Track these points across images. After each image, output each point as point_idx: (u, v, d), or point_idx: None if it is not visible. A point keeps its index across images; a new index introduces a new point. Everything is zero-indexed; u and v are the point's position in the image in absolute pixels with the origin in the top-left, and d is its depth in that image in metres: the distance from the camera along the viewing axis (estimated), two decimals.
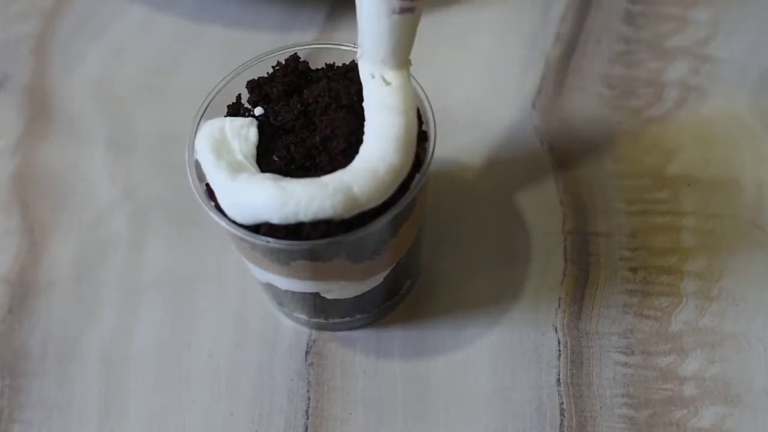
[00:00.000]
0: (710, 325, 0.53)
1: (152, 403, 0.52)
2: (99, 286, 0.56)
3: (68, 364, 0.54)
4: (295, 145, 0.47)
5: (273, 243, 0.45)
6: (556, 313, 0.54)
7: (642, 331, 0.53)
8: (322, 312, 0.52)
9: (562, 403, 0.51)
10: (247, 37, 0.65)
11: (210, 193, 0.47)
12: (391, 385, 0.52)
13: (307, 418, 0.52)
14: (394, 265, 0.50)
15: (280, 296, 0.52)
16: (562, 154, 0.59)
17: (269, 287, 0.51)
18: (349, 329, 0.54)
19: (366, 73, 0.46)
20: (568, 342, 0.53)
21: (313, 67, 0.50)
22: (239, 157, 0.46)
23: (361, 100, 0.47)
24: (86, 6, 0.67)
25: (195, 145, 0.47)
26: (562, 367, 0.52)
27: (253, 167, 0.46)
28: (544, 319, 0.54)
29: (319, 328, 0.54)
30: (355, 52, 0.47)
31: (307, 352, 0.53)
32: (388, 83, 0.46)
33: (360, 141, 0.46)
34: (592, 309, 0.54)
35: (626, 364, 0.52)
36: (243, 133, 0.47)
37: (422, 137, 0.47)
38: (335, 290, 0.50)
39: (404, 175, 0.45)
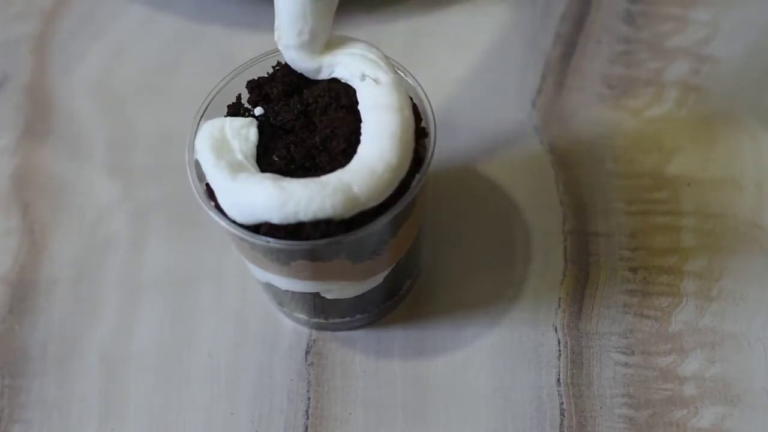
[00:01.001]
0: (710, 325, 0.53)
1: (152, 403, 0.52)
2: (99, 286, 0.56)
3: (68, 364, 0.54)
4: (295, 145, 0.47)
5: (273, 243, 0.45)
6: (556, 313, 0.54)
7: (642, 331, 0.53)
8: (322, 312, 0.52)
9: (562, 403, 0.51)
10: (247, 37, 0.65)
11: (210, 193, 0.47)
12: (391, 385, 0.52)
13: (307, 418, 0.52)
14: (394, 265, 0.50)
15: (280, 296, 0.52)
16: (562, 154, 0.59)
17: (269, 287, 0.51)
18: (349, 329, 0.54)
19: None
20: (568, 342, 0.53)
21: None
22: (239, 157, 0.46)
23: None
24: (86, 6, 0.67)
25: (195, 145, 0.47)
26: (562, 367, 0.52)
27: (253, 167, 0.46)
28: (544, 319, 0.54)
29: (319, 328, 0.54)
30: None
31: (307, 352, 0.53)
32: (379, 83, 0.46)
33: (359, 141, 0.46)
34: (592, 309, 0.54)
35: (626, 364, 0.52)
36: (243, 133, 0.47)
37: (422, 134, 0.48)
38: (335, 290, 0.50)
39: (403, 173, 0.45)
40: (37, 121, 0.63)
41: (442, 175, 0.57)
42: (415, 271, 0.54)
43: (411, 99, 0.48)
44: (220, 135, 0.47)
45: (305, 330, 0.54)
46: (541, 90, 0.62)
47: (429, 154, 0.47)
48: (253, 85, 0.49)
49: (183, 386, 0.53)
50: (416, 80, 0.49)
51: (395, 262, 0.50)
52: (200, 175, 0.47)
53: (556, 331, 0.53)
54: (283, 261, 0.47)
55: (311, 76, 0.48)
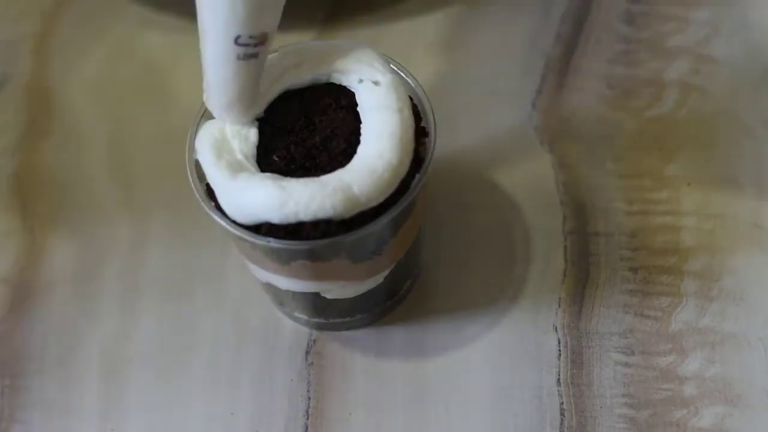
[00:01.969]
0: (710, 325, 0.53)
1: (152, 403, 0.52)
2: (99, 286, 0.56)
3: (68, 364, 0.54)
4: (295, 145, 0.47)
5: (273, 243, 0.45)
6: (556, 313, 0.54)
7: (642, 331, 0.53)
8: (323, 312, 0.52)
9: (562, 403, 0.51)
10: None
11: (210, 193, 0.47)
12: (391, 385, 0.52)
13: (307, 418, 0.52)
14: (395, 265, 0.50)
15: (280, 296, 0.52)
16: (562, 154, 0.59)
17: (269, 287, 0.51)
18: (350, 329, 0.54)
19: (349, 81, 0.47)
20: (569, 342, 0.53)
21: None
22: (239, 156, 0.46)
23: None
24: (86, 6, 0.67)
25: (195, 145, 0.47)
26: (562, 367, 0.52)
27: (253, 167, 0.46)
28: (544, 319, 0.54)
29: (320, 328, 0.54)
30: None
31: (307, 352, 0.53)
32: (377, 84, 0.46)
33: (359, 141, 0.46)
34: (593, 309, 0.54)
35: (626, 364, 0.52)
36: (243, 133, 0.47)
37: (422, 133, 0.48)
38: (335, 290, 0.50)
39: (403, 173, 0.45)
40: (37, 121, 0.63)
41: (442, 175, 0.57)
42: (415, 271, 0.54)
43: (411, 99, 0.48)
44: (220, 135, 0.47)
45: (305, 330, 0.54)
46: (541, 90, 0.62)
47: (429, 154, 0.47)
48: None
49: (183, 386, 0.53)
50: (416, 80, 0.49)
51: (395, 262, 0.50)
52: (200, 175, 0.47)
53: (556, 331, 0.53)
54: (283, 261, 0.47)
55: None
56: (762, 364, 0.52)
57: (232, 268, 0.56)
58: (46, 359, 0.54)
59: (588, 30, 0.64)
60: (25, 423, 0.52)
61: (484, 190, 0.58)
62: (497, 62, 0.63)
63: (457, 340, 0.53)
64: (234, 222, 0.46)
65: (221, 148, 0.46)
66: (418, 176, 0.46)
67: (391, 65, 0.49)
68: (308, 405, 0.52)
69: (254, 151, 0.47)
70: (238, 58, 0.44)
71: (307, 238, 0.44)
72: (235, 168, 0.45)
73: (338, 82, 0.48)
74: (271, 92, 0.48)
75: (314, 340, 0.54)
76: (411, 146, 0.46)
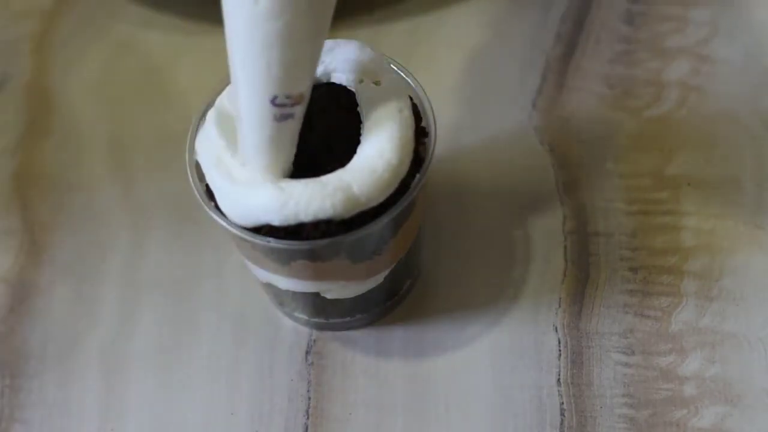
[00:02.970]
0: (710, 325, 0.53)
1: (152, 403, 0.52)
2: (99, 286, 0.56)
3: (68, 364, 0.54)
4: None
5: (273, 243, 0.45)
6: (556, 313, 0.54)
7: (642, 331, 0.53)
8: (323, 312, 0.52)
9: (563, 402, 0.51)
10: None
11: (210, 193, 0.47)
12: (391, 385, 0.52)
13: (308, 417, 0.52)
14: (395, 265, 0.50)
15: (280, 296, 0.52)
16: (562, 154, 0.59)
17: (269, 287, 0.51)
18: (350, 329, 0.54)
19: (350, 83, 0.46)
20: (569, 342, 0.53)
21: None
22: (239, 158, 0.46)
23: None
24: (86, 6, 0.67)
25: (195, 146, 0.47)
26: (562, 366, 0.52)
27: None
28: (544, 319, 0.54)
29: (320, 328, 0.54)
30: None
31: (307, 352, 0.53)
32: (377, 84, 0.46)
33: (359, 141, 0.46)
34: (593, 309, 0.54)
35: (626, 364, 0.52)
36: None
37: (422, 133, 0.48)
38: (335, 290, 0.50)
39: (403, 173, 0.45)
40: (37, 121, 0.63)
41: (442, 175, 0.57)
42: (416, 271, 0.54)
43: (411, 99, 0.48)
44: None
45: (305, 330, 0.54)
46: (541, 90, 0.62)
47: (429, 154, 0.47)
48: None
49: (183, 386, 0.53)
50: (416, 80, 0.49)
51: (395, 262, 0.50)
52: (200, 175, 0.47)
53: (556, 331, 0.53)
54: (283, 261, 0.47)
55: None
56: (762, 364, 0.52)
57: (232, 268, 0.56)
58: (46, 359, 0.54)
59: (588, 30, 0.64)
60: (25, 423, 0.52)
61: (484, 190, 0.58)
62: (497, 62, 0.63)
63: (457, 340, 0.53)
64: (234, 222, 0.46)
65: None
66: (418, 176, 0.46)
67: (391, 65, 0.49)
68: (308, 405, 0.52)
69: None
70: (275, 119, 0.43)
71: (307, 238, 0.44)
72: (236, 170, 0.45)
73: (338, 82, 0.48)
74: None
75: (314, 340, 0.54)
76: (411, 146, 0.46)
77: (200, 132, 0.48)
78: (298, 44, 0.41)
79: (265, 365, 0.53)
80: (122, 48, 0.66)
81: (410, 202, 0.46)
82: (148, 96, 0.63)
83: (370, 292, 0.51)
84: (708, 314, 0.53)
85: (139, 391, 0.53)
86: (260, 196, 0.44)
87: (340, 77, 0.47)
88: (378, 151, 0.45)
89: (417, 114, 0.48)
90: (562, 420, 0.51)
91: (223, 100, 0.48)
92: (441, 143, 0.48)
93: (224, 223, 0.46)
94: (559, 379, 0.52)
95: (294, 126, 0.44)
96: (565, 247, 0.56)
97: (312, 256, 0.47)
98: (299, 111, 0.43)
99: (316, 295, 0.50)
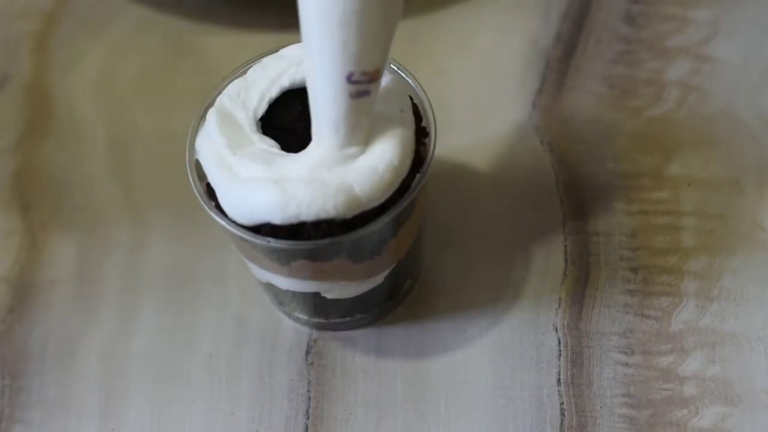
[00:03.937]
0: (710, 324, 0.53)
1: (152, 403, 0.52)
2: (99, 286, 0.56)
3: (68, 364, 0.54)
4: (295, 146, 0.46)
5: (274, 243, 0.45)
6: (556, 313, 0.54)
7: (642, 331, 0.53)
8: (323, 312, 0.52)
9: (563, 403, 0.51)
10: (247, 38, 0.65)
11: (210, 193, 0.47)
12: (391, 385, 0.52)
13: (308, 417, 0.52)
14: (395, 265, 0.50)
15: (280, 296, 0.52)
16: (562, 154, 0.59)
17: (269, 287, 0.51)
18: (350, 329, 0.54)
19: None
20: (569, 342, 0.53)
21: None
22: (240, 156, 0.46)
23: None
24: (86, 6, 0.67)
25: (195, 145, 0.47)
26: (562, 366, 0.52)
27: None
28: (545, 319, 0.54)
29: (320, 327, 0.54)
30: None
31: (307, 352, 0.53)
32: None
33: None
34: (593, 309, 0.54)
35: (626, 364, 0.52)
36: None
37: (422, 133, 0.48)
38: (336, 290, 0.50)
39: (404, 172, 0.45)
40: (37, 121, 0.63)
41: (442, 175, 0.57)
42: (416, 271, 0.54)
43: (411, 99, 0.48)
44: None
45: (306, 330, 0.54)
46: (541, 90, 0.62)
47: (430, 154, 0.47)
48: None
49: (183, 386, 0.53)
50: (416, 80, 0.49)
51: (396, 261, 0.50)
52: (200, 175, 0.47)
53: (556, 331, 0.53)
54: (283, 261, 0.47)
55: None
56: (762, 364, 0.52)
57: (232, 268, 0.56)
58: (46, 359, 0.54)
59: (588, 30, 0.64)
60: (25, 423, 0.52)
61: (484, 190, 0.58)
62: (497, 62, 0.63)
63: (457, 340, 0.53)
64: (234, 222, 0.46)
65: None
66: (418, 176, 0.46)
67: (391, 65, 0.49)
68: (308, 405, 0.52)
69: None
70: (350, 96, 0.43)
71: (308, 238, 0.44)
72: (237, 169, 0.45)
73: None
74: (271, 92, 0.48)
75: (314, 340, 0.54)
76: (412, 146, 0.46)
77: (201, 131, 0.48)
78: (376, 21, 0.41)
79: (265, 365, 0.53)
80: (122, 48, 0.66)
81: (411, 202, 0.46)
82: (148, 96, 0.63)
83: (370, 292, 0.51)
84: (708, 314, 0.53)
85: (139, 391, 0.53)
86: (262, 196, 0.44)
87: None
88: (379, 151, 0.45)
89: (417, 114, 0.48)
90: (562, 420, 0.51)
91: (223, 100, 0.48)
92: (441, 143, 0.48)
93: (224, 223, 0.46)
94: (559, 379, 0.52)
95: (369, 103, 0.43)
96: (565, 247, 0.56)
97: (312, 256, 0.47)
98: (375, 88, 0.43)
99: (317, 295, 0.50)
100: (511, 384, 0.52)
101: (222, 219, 0.46)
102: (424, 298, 0.55)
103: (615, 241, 0.56)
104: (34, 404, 0.53)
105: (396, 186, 0.45)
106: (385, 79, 0.47)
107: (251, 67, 0.49)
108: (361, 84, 0.42)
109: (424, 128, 0.48)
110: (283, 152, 0.46)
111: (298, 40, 0.44)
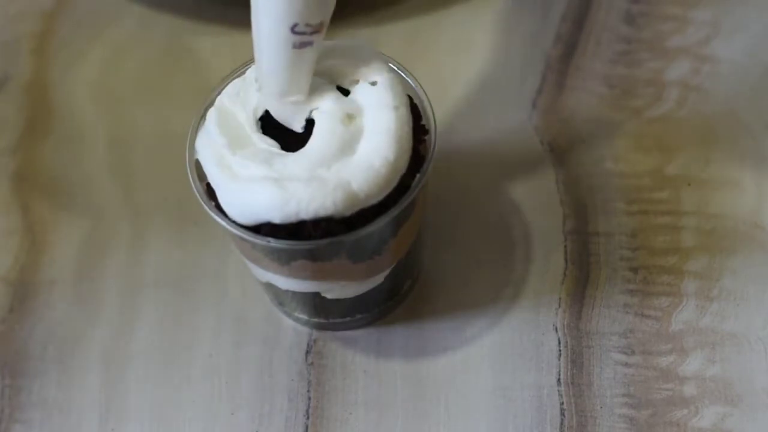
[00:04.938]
0: (710, 324, 0.53)
1: (152, 403, 0.52)
2: (99, 286, 0.56)
3: (68, 364, 0.54)
4: (295, 145, 0.47)
5: (274, 243, 0.45)
6: (556, 313, 0.54)
7: (642, 331, 0.53)
8: (323, 312, 0.52)
9: (563, 402, 0.51)
10: (247, 37, 0.65)
11: (210, 193, 0.47)
12: (391, 385, 0.52)
13: (308, 417, 0.52)
14: (395, 265, 0.50)
15: (280, 296, 0.52)
16: (562, 154, 0.59)
17: (270, 287, 0.51)
18: (350, 329, 0.54)
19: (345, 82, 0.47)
20: (569, 342, 0.53)
21: None
22: (240, 156, 0.46)
23: None
24: (86, 6, 0.67)
25: (195, 144, 0.47)
26: (562, 366, 0.52)
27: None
28: (544, 319, 0.54)
29: (320, 327, 0.54)
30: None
31: (307, 352, 0.53)
32: (374, 84, 0.46)
33: None
34: (593, 309, 0.54)
35: (626, 364, 0.52)
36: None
37: (422, 131, 0.48)
38: (336, 290, 0.50)
39: (401, 169, 0.45)
40: (37, 121, 0.63)
41: (442, 175, 0.57)
42: (416, 271, 0.54)
43: (410, 98, 0.48)
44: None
45: (306, 330, 0.54)
46: (541, 90, 0.62)
47: (430, 154, 0.47)
48: None
49: (183, 386, 0.53)
50: (416, 80, 0.49)
51: (396, 261, 0.50)
52: (200, 175, 0.47)
53: (556, 331, 0.53)
54: (283, 261, 0.47)
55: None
56: (762, 364, 0.52)
57: (232, 268, 0.56)
58: (46, 359, 0.54)
59: (588, 30, 0.64)
60: (25, 423, 0.52)
61: (484, 190, 0.58)
62: (497, 62, 0.63)
63: (458, 340, 0.53)
64: (234, 222, 0.46)
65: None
66: (418, 176, 0.46)
67: (390, 65, 0.49)
68: (308, 405, 0.52)
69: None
70: (294, 46, 0.44)
71: (308, 238, 0.44)
72: (237, 168, 0.45)
73: (337, 82, 0.48)
74: None
75: (315, 340, 0.54)
76: (408, 143, 0.46)
77: (200, 131, 0.48)
78: None
79: (265, 365, 0.53)
80: (122, 48, 0.66)
81: (411, 202, 0.46)
82: (148, 96, 0.63)
83: (370, 292, 0.51)
84: (708, 314, 0.53)
85: (139, 391, 0.53)
86: (261, 195, 0.44)
87: (339, 77, 0.47)
88: (375, 148, 0.45)
89: (416, 113, 0.48)
90: (562, 420, 0.51)
91: (223, 100, 0.48)
92: (441, 143, 0.48)
93: (224, 223, 0.46)
94: (559, 379, 0.52)
95: (311, 54, 0.45)
96: (565, 247, 0.56)
97: (312, 256, 0.47)
98: (318, 40, 0.44)
99: (316, 295, 0.50)
100: (511, 384, 0.52)
101: (222, 219, 0.46)
102: (424, 298, 0.55)
103: (615, 241, 0.56)
104: (34, 404, 0.53)
105: (394, 183, 0.45)
106: (382, 77, 0.47)
107: (251, 66, 0.49)
108: (305, 35, 0.44)
109: (423, 126, 0.48)
110: (283, 152, 0.46)
111: None
